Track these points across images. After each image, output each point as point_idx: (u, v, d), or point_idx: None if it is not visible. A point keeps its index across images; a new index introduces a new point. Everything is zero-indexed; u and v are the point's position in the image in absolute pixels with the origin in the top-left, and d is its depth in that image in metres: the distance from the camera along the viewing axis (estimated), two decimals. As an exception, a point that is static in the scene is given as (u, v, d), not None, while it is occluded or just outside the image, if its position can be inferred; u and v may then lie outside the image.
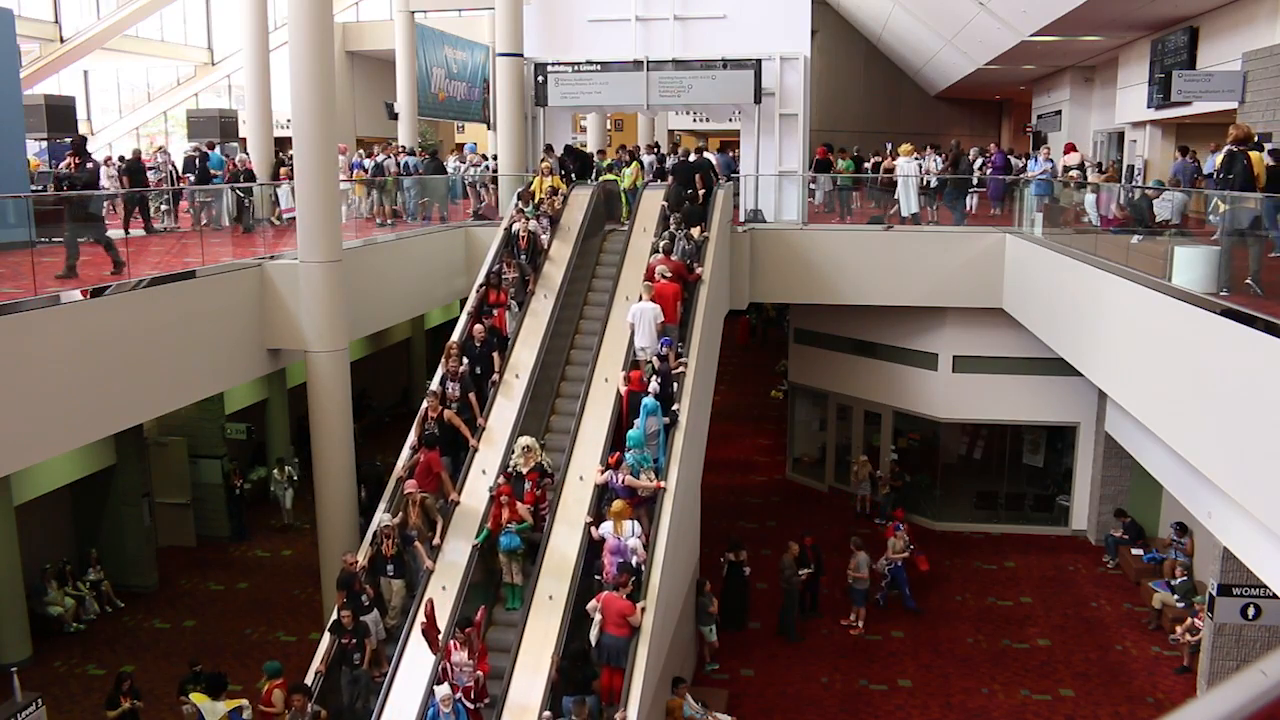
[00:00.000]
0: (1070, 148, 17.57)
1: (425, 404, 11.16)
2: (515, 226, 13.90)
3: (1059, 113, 26.35)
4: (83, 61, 29.56)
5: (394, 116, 23.54)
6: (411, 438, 11.06)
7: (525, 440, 10.45)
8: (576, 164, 16.82)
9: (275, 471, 17.54)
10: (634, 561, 9.23)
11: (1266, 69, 13.70)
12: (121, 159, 17.87)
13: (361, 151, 19.97)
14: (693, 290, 12.82)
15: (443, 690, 8.12)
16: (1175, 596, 13.67)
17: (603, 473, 10.21)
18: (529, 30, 17.94)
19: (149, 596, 14.75)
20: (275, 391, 18.05)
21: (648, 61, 17.77)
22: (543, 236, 13.99)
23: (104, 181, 15.53)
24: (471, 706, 8.27)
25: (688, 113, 32.12)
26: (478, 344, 11.93)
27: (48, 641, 13.21)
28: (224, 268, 11.90)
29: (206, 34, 33.66)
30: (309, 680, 9.17)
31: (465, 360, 11.70)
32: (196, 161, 17.58)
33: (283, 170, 16.14)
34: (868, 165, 20.14)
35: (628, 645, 8.73)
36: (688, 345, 11.99)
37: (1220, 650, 11.43)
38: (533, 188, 15.15)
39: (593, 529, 9.77)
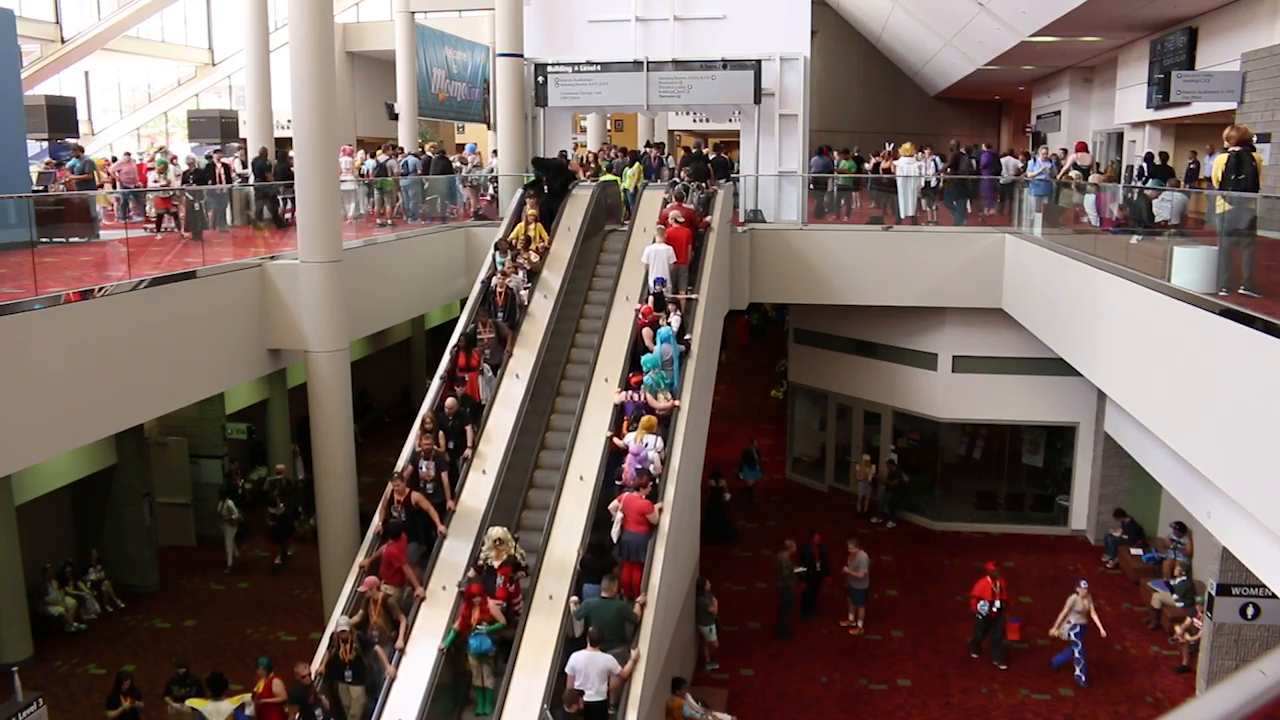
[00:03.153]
0: (1081, 146, 17.51)
1: (389, 488, 10.24)
2: (493, 281, 13.00)
3: (1058, 113, 26.36)
4: (83, 62, 29.56)
5: (394, 117, 23.52)
6: (375, 523, 10.27)
7: (496, 532, 9.61)
8: (553, 179, 15.34)
9: (219, 507, 15.87)
10: (651, 470, 10.02)
11: (1265, 69, 13.70)
12: (261, 155, 17.26)
13: (362, 153, 19.94)
14: (702, 237, 13.77)
15: None
16: (1175, 596, 13.67)
17: (621, 393, 11.10)
18: (529, 30, 17.95)
19: (149, 596, 14.76)
20: (275, 391, 18.04)
21: (648, 62, 17.78)
22: (522, 292, 13.07)
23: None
24: None
25: (688, 113, 32.13)
26: (449, 415, 11.07)
27: (48, 641, 13.22)
28: (224, 268, 11.90)
29: (207, 34, 33.67)
30: None
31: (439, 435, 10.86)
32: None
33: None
34: (867, 166, 20.13)
35: (646, 541, 9.50)
36: (697, 284, 13.02)
37: (1219, 650, 11.42)
38: (513, 235, 14.13)
39: (615, 439, 10.59)
